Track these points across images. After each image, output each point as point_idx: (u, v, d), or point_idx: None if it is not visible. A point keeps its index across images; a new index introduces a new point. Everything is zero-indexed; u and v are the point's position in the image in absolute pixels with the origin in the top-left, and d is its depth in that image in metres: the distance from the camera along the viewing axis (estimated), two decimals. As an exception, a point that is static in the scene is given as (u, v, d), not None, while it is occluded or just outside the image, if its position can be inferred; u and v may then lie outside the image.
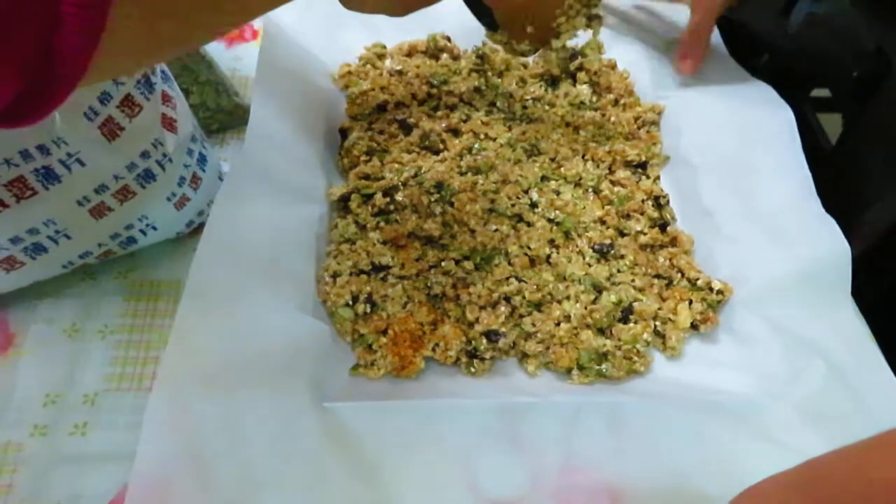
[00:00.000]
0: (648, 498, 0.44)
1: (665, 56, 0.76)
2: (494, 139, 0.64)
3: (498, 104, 0.67)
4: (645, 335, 0.52)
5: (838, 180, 0.69)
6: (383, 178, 0.58)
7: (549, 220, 0.58)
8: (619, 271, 0.56)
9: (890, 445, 0.27)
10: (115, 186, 0.45)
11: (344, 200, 0.57)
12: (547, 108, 0.68)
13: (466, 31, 0.71)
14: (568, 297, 0.53)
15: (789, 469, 0.32)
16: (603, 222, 0.59)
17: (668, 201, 0.61)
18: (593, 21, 0.62)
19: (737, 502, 0.34)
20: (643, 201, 0.60)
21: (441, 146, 0.63)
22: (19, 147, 0.39)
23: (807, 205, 0.58)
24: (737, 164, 0.63)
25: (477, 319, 0.51)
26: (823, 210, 0.57)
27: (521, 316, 0.52)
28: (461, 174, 0.60)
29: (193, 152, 0.51)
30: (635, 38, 0.76)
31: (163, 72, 0.48)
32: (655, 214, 0.60)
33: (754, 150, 0.64)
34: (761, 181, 0.61)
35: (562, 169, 0.62)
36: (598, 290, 0.54)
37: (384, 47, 0.71)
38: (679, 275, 0.56)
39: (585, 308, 0.52)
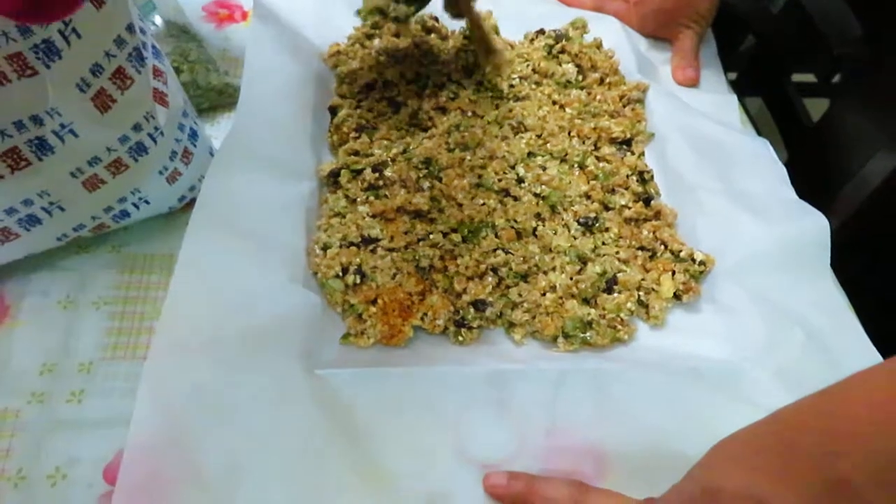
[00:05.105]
0: (630, 459, 0.46)
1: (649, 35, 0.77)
2: (482, 117, 0.65)
3: (485, 83, 0.68)
4: (629, 304, 0.53)
5: (819, 157, 0.71)
6: (372, 154, 0.59)
7: (536, 195, 0.59)
8: (603, 244, 0.57)
9: (850, 387, 0.29)
10: (107, 159, 0.46)
11: (334, 176, 0.58)
12: (533, 86, 0.69)
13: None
14: (554, 269, 0.54)
15: (758, 420, 0.34)
16: (588, 197, 0.60)
17: (652, 176, 0.63)
18: None
19: (712, 453, 0.35)
20: (628, 176, 0.62)
21: (429, 123, 0.64)
22: (13, 118, 0.40)
23: (785, 189, 0.61)
24: (715, 145, 0.65)
25: (464, 290, 0.52)
26: (798, 198, 0.60)
27: (508, 286, 0.53)
28: (449, 150, 0.61)
29: (185, 127, 0.51)
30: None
31: (153, 47, 0.49)
32: (640, 189, 0.61)
33: (730, 137, 0.66)
34: (740, 167, 0.63)
35: (548, 145, 0.63)
36: (583, 261, 0.55)
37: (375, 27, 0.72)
38: (662, 247, 0.57)
39: (571, 279, 0.54)
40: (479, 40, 0.68)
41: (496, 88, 0.68)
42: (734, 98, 0.74)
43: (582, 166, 0.62)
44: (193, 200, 0.50)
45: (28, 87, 0.39)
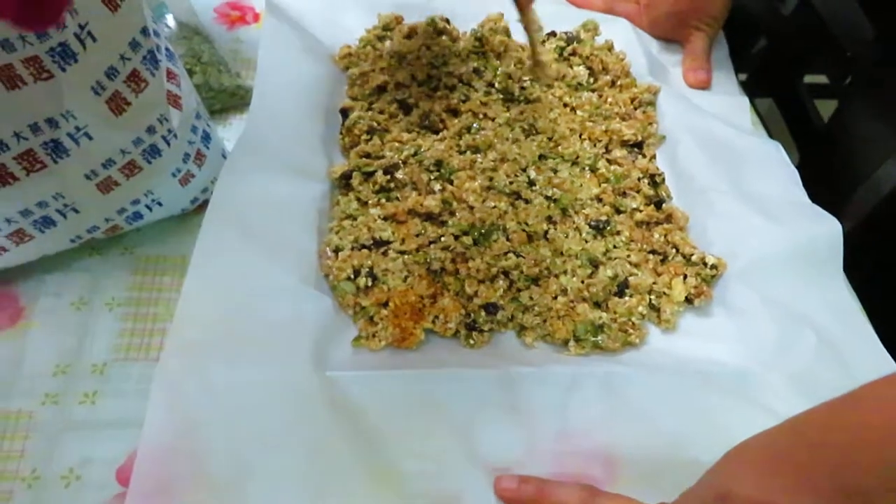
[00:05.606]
0: (642, 463, 0.45)
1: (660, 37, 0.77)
2: (493, 119, 0.65)
3: (496, 85, 0.68)
4: (640, 308, 0.53)
5: (831, 158, 0.71)
6: (384, 156, 0.59)
7: (547, 198, 0.59)
8: (615, 247, 0.57)
9: (864, 396, 0.29)
10: (121, 161, 0.46)
11: (345, 178, 0.58)
12: (545, 89, 0.69)
13: (465, 13, 0.72)
14: (565, 272, 0.54)
15: (772, 427, 0.34)
16: (599, 200, 0.60)
17: (663, 179, 0.63)
18: None
19: (725, 459, 0.35)
20: (639, 179, 0.61)
21: (440, 126, 0.64)
22: (29, 120, 0.40)
23: (797, 192, 0.60)
24: (727, 148, 0.65)
25: (476, 293, 0.52)
26: (810, 201, 0.60)
27: (519, 290, 0.53)
28: (460, 153, 0.61)
29: (197, 129, 0.52)
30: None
31: (167, 49, 0.49)
32: (651, 192, 0.61)
33: (742, 139, 0.65)
34: (752, 169, 0.63)
35: (559, 148, 0.63)
36: (595, 264, 0.55)
37: (388, 28, 0.72)
38: (674, 250, 0.57)
39: (582, 282, 0.54)
40: (530, 44, 0.66)
41: (507, 91, 0.67)
42: (745, 100, 0.73)
43: (593, 169, 0.62)
44: (206, 202, 0.50)
45: (44, 90, 0.40)
